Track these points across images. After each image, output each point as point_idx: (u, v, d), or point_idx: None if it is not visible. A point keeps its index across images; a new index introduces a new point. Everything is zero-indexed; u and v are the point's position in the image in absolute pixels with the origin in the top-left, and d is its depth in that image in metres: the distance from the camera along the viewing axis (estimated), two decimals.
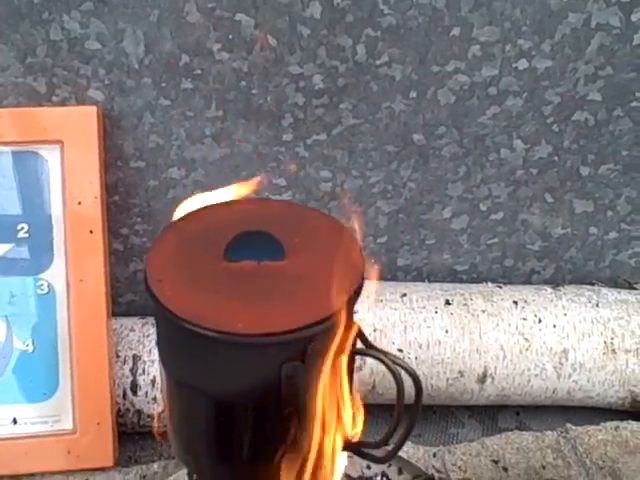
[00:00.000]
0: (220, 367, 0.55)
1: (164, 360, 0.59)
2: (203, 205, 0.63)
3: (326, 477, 0.61)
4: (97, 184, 0.93)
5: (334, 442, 0.60)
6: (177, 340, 0.56)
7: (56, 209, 0.94)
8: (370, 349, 0.58)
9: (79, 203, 0.93)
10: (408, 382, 0.58)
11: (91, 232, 0.93)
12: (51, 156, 0.94)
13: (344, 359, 0.56)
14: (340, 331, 0.54)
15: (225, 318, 0.52)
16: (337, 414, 0.59)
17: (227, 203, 0.64)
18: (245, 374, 0.55)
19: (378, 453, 0.62)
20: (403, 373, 0.57)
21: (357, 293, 0.56)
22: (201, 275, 0.57)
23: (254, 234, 0.57)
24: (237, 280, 0.56)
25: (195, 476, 0.69)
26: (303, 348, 0.53)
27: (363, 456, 0.63)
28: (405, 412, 0.59)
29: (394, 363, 0.55)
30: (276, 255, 0.58)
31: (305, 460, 0.59)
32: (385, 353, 0.56)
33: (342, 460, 0.63)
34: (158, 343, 0.61)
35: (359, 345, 0.60)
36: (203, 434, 0.61)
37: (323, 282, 0.56)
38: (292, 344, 0.53)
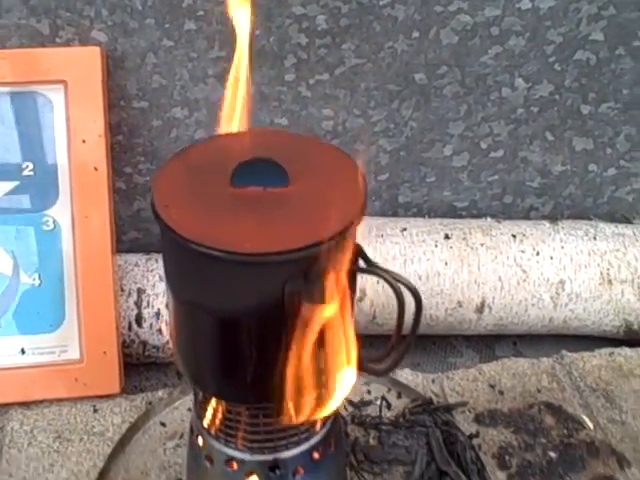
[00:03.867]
0: (225, 286, 0.57)
1: (171, 283, 0.62)
2: (209, 136, 0.65)
3: (332, 393, 0.64)
4: (101, 123, 0.95)
5: (338, 358, 0.62)
6: (184, 262, 0.58)
7: (61, 147, 0.95)
8: (372, 267, 0.60)
9: (83, 141, 0.94)
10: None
11: (96, 169, 0.95)
12: (55, 96, 0.95)
13: (345, 276, 0.58)
14: (343, 251, 0.56)
15: (231, 238, 0.55)
16: (342, 331, 0.61)
17: (233, 134, 0.66)
18: (250, 293, 0.57)
19: (379, 366, 0.65)
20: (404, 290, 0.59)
21: (360, 216, 0.59)
22: (207, 200, 0.59)
23: (259, 161, 0.59)
24: (242, 204, 0.58)
25: (201, 397, 0.72)
26: (306, 267, 0.55)
27: (365, 370, 0.66)
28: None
29: (395, 280, 0.57)
30: (281, 181, 0.59)
31: (310, 377, 0.61)
32: (386, 270, 0.58)
33: (349, 376, 0.65)
34: (165, 267, 0.63)
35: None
36: (208, 354, 0.63)
37: (326, 206, 0.58)
38: (295, 263, 0.55)
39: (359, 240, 0.62)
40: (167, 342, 1.05)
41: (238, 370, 0.63)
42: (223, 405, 0.71)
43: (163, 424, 0.98)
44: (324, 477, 0.77)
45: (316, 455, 0.74)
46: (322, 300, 0.57)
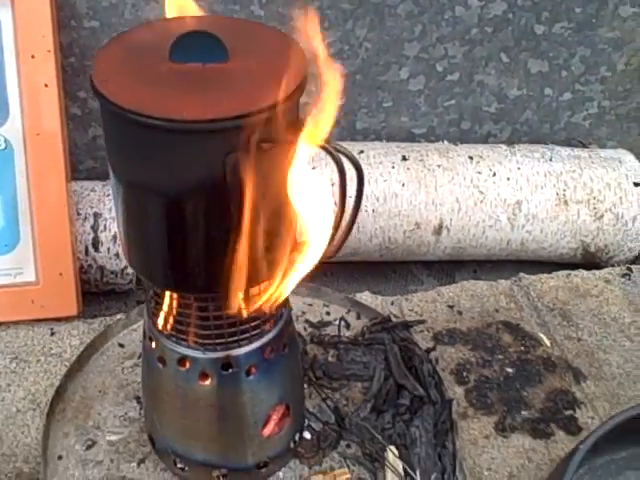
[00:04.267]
0: (167, 159, 0.57)
1: (113, 164, 0.61)
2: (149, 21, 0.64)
3: (282, 282, 0.64)
4: (50, 38, 0.93)
5: (285, 241, 0.62)
6: (124, 137, 0.58)
7: (10, 64, 0.94)
8: None
9: (32, 57, 0.93)
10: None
11: (46, 86, 0.93)
12: (2, 12, 0.93)
13: (290, 150, 0.57)
14: (284, 121, 0.56)
15: (171, 108, 0.54)
16: (285, 210, 0.61)
17: (174, 18, 0.65)
18: (191, 165, 0.57)
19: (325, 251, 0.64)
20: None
21: (300, 89, 0.58)
22: (147, 75, 0.58)
23: (198, 36, 0.58)
24: (182, 78, 0.58)
25: (152, 296, 0.72)
26: (247, 138, 0.55)
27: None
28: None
29: (336, 150, 0.57)
30: (220, 57, 0.59)
31: (255, 260, 0.61)
32: (327, 142, 0.58)
33: (298, 263, 0.64)
34: (107, 147, 0.62)
35: None
36: (155, 239, 0.63)
37: (267, 79, 0.58)
38: (235, 132, 0.54)
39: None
40: (125, 267, 1.04)
41: (184, 254, 0.63)
42: (174, 302, 0.70)
43: (121, 345, 0.97)
44: (278, 379, 0.77)
45: (269, 354, 0.74)
46: (264, 173, 0.57)
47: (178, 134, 0.54)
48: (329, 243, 0.63)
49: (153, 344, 0.75)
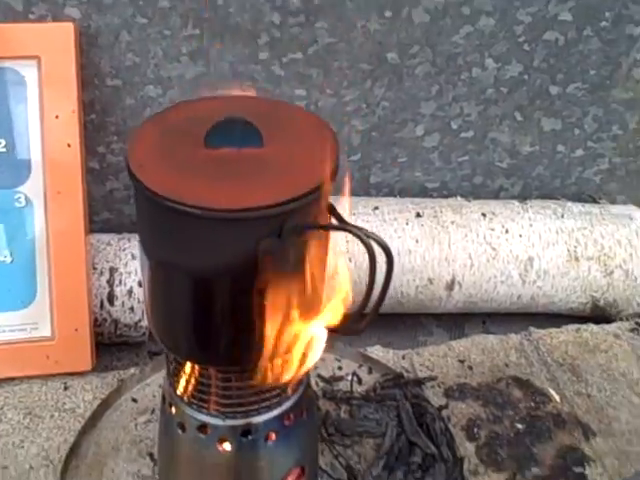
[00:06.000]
0: (199, 244, 0.58)
1: (145, 243, 0.62)
2: (183, 101, 0.66)
3: (306, 354, 0.65)
4: (74, 98, 0.95)
5: (311, 318, 0.63)
6: (158, 220, 0.59)
7: (34, 123, 0.95)
8: (344, 224, 0.61)
9: (57, 117, 0.95)
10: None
11: (69, 146, 0.95)
12: (28, 72, 0.95)
13: (320, 235, 0.59)
14: (315, 209, 0.57)
15: (205, 196, 0.55)
16: (314, 292, 0.62)
17: (208, 97, 0.67)
18: (224, 251, 0.58)
19: (354, 326, 0.66)
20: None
21: (332, 175, 0.60)
22: (182, 161, 0.59)
23: (233, 122, 0.60)
24: (217, 165, 0.59)
25: (173, 364, 0.73)
26: (280, 224, 0.56)
27: (339, 331, 0.67)
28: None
29: (367, 236, 0.58)
30: (255, 143, 0.60)
31: (282, 337, 0.62)
32: (358, 227, 0.59)
33: (322, 336, 0.66)
34: (139, 227, 0.64)
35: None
36: (182, 315, 0.64)
37: (300, 166, 0.59)
38: (269, 219, 0.56)
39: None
40: (139, 321, 1.05)
41: (211, 331, 0.64)
42: (196, 370, 0.71)
43: (135, 400, 0.98)
44: (296, 444, 0.78)
45: (288, 421, 0.75)
46: (296, 258, 0.58)
47: (213, 222, 0.56)
48: (356, 323, 0.65)
49: (173, 409, 0.75)
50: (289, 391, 0.75)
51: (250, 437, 0.73)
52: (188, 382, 0.73)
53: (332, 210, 0.62)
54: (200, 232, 0.57)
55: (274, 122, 0.63)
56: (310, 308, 0.63)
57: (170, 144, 0.61)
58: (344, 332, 0.68)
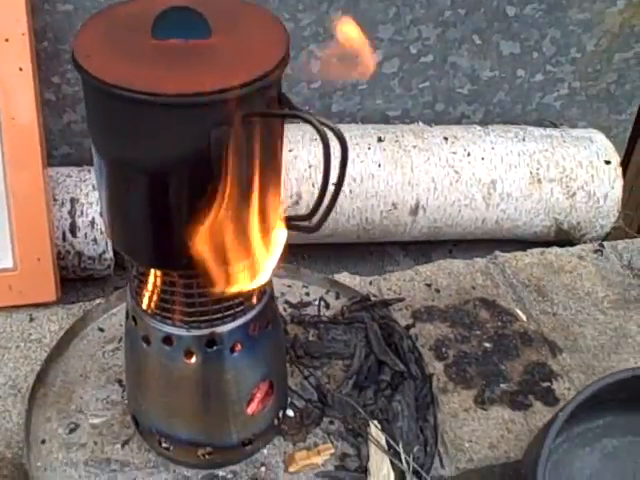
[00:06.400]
0: (151, 135, 0.57)
1: (95, 141, 0.61)
2: None
3: (262, 253, 0.64)
4: (24, 21, 0.92)
5: (268, 214, 0.63)
6: (107, 112, 0.58)
7: None
8: (298, 110, 0.61)
9: (6, 40, 0.92)
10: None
11: (20, 69, 0.92)
12: None
13: (273, 123, 0.58)
14: (267, 95, 0.56)
15: (155, 82, 0.54)
16: (270, 186, 0.61)
17: None
18: (176, 140, 0.57)
19: (309, 224, 0.65)
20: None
21: (282, 64, 0.59)
22: (129, 50, 0.58)
23: (180, 11, 0.58)
24: (165, 54, 0.58)
25: (136, 274, 0.72)
26: (231, 112, 0.55)
27: (295, 228, 0.66)
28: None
29: (320, 123, 0.58)
30: (203, 33, 0.59)
31: (240, 231, 0.61)
32: (311, 114, 0.58)
33: (281, 235, 0.65)
34: (89, 124, 0.62)
35: None
36: (139, 216, 0.63)
37: (250, 54, 0.58)
38: (220, 106, 0.55)
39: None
40: (103, 252, 1.04)
41: (168, 231, 0.63)
42: (158, 279, 0.71)
43: (101, 329, 0.97)
44: (262, 356, 0.78)
45: (253, 330, 0.75)
46: (249, 147, 0.57)
47: (163, 108, 0.55)
48: (312, 217, 0.64)
49: (137, 324, 0.75)
50: (253, 300, 0.74)
51: (215, 347, 0.73)
52: (152, 294, 0.73)
53: (284, 99, 0.61)
54: (151, 121, 0.56)
55: (223, 14, 0.62)
56: (265, 203, 0.62)
57: (117, 35, 0.60)
58: (300, 230, 0.67)
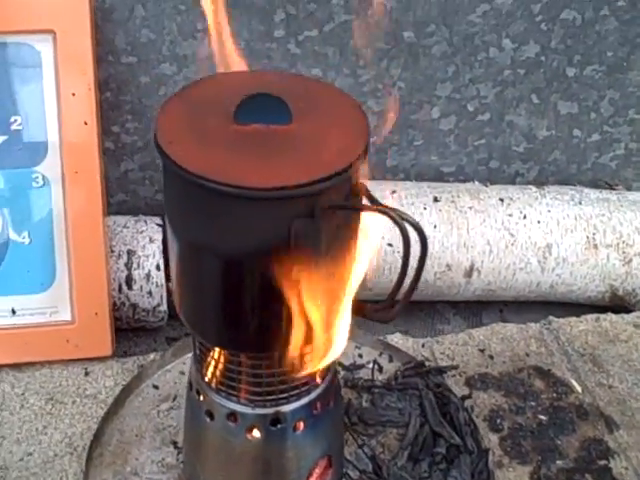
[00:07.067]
0: (230, 224, 0.56)
1: (174, 224, 0.61)
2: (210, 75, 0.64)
3: (334, 337, 0.64)
4: (91, 75, 0.92)
5: (343, 303, 0.62)
6: (188, 199, 0.57)
7: (50, 102, 0.93)
8: (379, 205, 0.60)
9: (73, 94, 0.92)
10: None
11: (85, 124, 0.92)
12: (44, 47, 0.92)
13: (353, 216, 0.57)
14: (349, 188, 0.55)
15: (237, 174, 0.54)
16: (345, 276, 0.60)
17: (234, 73, 0.65)
18: (255, 231, 0.56)
19: (385, 314, 0.64)
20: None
21: (364, 154, 0.58)
22: (211, 137, 0.58)
23: (262, 98, 0.58)
24: (247, 141, 0.57)
25: (201, 350, 0.71)
26: (312, 204, 0.54)
27: (370, 318, 0.65)
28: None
29: (401, 218, 0.57)
30: (284, 119, 0.59)
31: (315, 318, 0.60)
32: (392, 208, 0.57)
33: (349, 322, 0.64)
34: (167, 207, 0.62)
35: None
36: (211, 299, 0.62)
37: (331, 143, 0.58)
38: (302, 199, 0.54)
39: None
40: (157, 305, 1.03)
41: (241, 316, 0.62)
42: (225, 357, 0.70)
43: (156, 387, 0.97)
44: (323, 433, 0.77)
45: (316, 409, 0.74)
46: (328, 239, 0.56)
47: (245, 200, 0.54)
48: (388, 307, 0.63)
49: (201, 397, 0.74)
50: (318, 379, 0.73)
51: (279, 426, 0.72)
52: (216, 369, 0.72)
53: (365, 191, 0.60)
54: (231, 211, 0.55)
55: (301, 97, 0.62)
56: (341, 292, 0.61)
57: (198, 120, 0.59)
58: (376, 319, 0.67)
